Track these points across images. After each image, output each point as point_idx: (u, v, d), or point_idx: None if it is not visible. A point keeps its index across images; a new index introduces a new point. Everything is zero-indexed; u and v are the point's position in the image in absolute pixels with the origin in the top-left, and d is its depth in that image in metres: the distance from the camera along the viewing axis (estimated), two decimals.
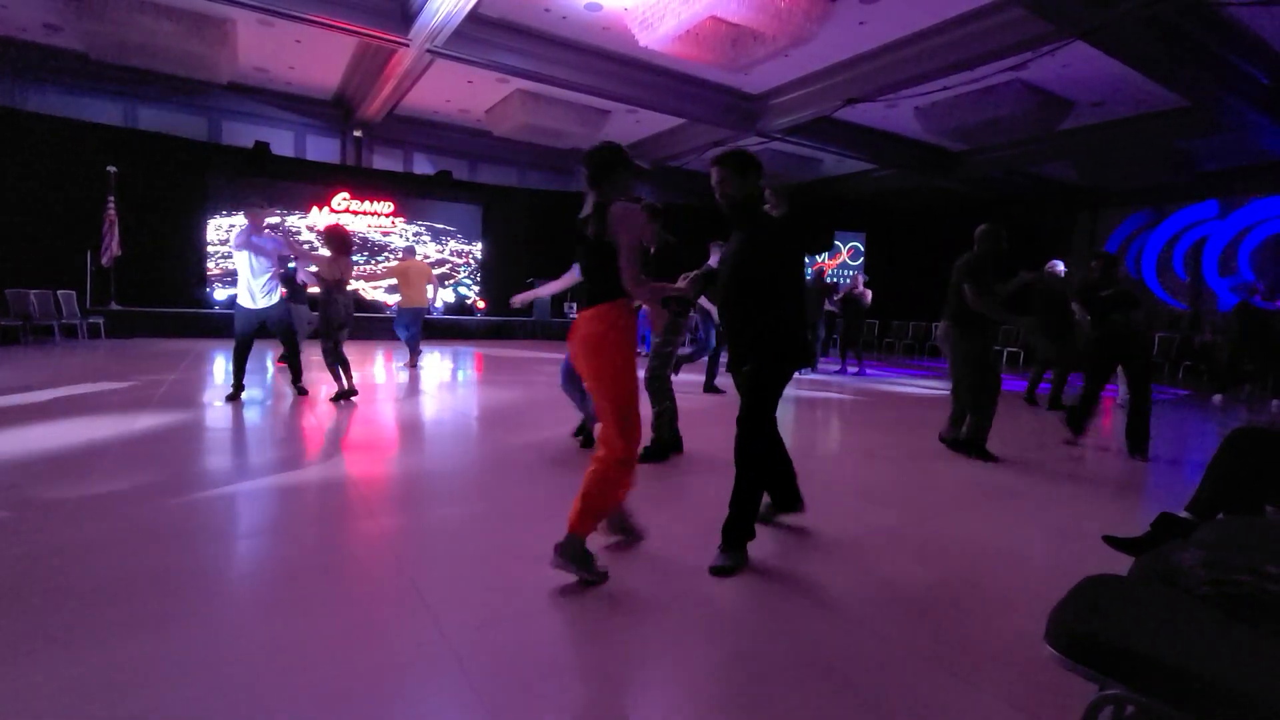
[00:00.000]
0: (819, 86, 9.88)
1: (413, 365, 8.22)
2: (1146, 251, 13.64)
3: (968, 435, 4.54)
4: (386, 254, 13.85)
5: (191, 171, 11.86)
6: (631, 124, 12.39)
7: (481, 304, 14.79)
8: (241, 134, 12.27)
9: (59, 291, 9.80)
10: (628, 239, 2.25)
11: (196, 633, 1.86)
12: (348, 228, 6.16)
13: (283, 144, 12.73)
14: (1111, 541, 2.47)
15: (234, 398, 5.38)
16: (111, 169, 10.30)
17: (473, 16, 7.73)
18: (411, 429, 4.89)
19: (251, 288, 5.36)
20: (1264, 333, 8.35)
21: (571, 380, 4.07)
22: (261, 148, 12.14)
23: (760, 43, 7.77)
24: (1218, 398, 8.57)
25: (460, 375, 8.25)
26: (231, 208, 12.34)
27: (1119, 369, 5.27)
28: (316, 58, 10.19)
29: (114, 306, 10.56)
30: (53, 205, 10.26)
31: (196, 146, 11.89)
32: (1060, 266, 6.95)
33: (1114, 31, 6.98)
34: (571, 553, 2.24)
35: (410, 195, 14.09)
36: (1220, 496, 2.24)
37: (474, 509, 3.08)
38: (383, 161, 13.92)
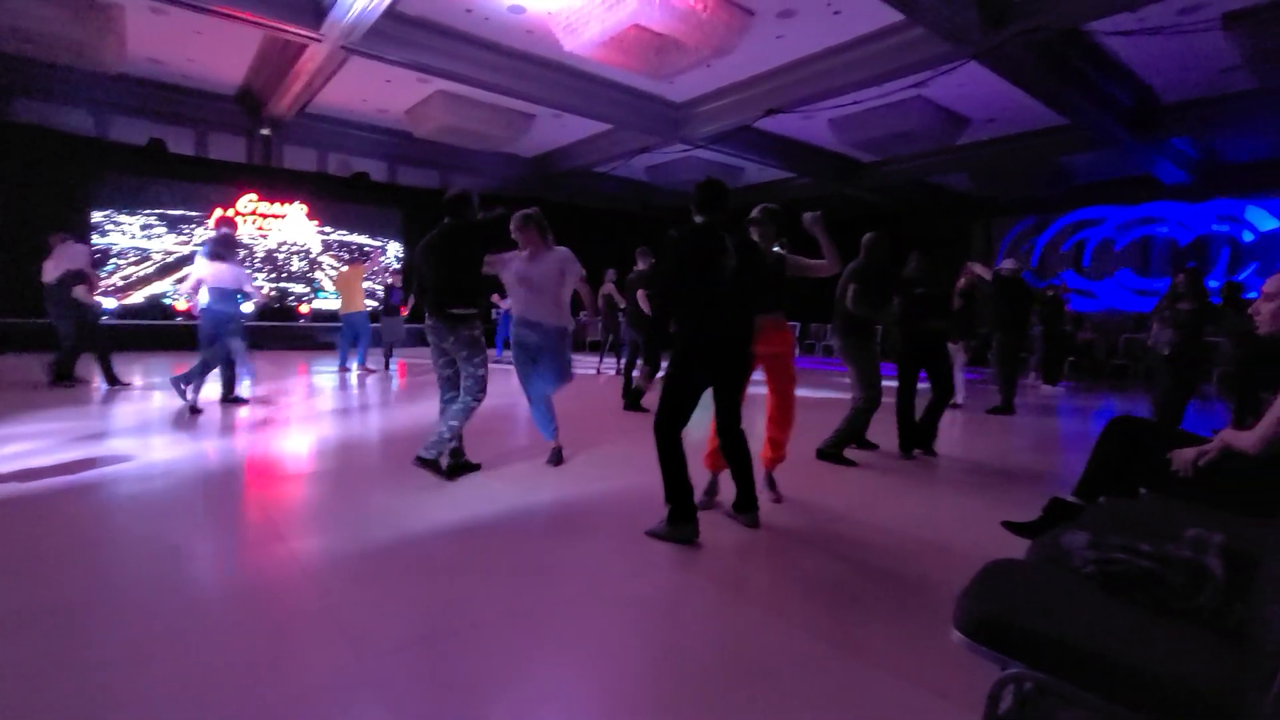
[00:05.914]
0: (740, 96, 10.16)
1: (367, 370, 9.07)
2: (1034, 256, 14.78)
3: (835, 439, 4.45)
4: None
5: (76, 169, 10.85)
6: (556, 128, 12.31)
7: (404, 310, 14.30)
8: (134, 130, 11.34)
9: None
10: None
11: (96, 661, 1.71)
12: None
13: (181, 141, 11.86)
14: (1010, 526, 2.66)
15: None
16: None
17: (390, 13, 7.45)
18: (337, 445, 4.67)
19: None
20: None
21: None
22: (156, 144, 11.27)
23: (683, 52, 7.90)
24: None
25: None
26: (123, 208, 11.41)
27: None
28: (218, 50, 9.56)
29: None
30: None
31: (81, 142, 10.90)
32: (1010, 264, 7.22)
33: (1003, 54, 7.59)
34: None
35: (325, 198, 13.42)
36: (1101, 481, 2.44)
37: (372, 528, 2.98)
38: (294, 161, 13.21)
